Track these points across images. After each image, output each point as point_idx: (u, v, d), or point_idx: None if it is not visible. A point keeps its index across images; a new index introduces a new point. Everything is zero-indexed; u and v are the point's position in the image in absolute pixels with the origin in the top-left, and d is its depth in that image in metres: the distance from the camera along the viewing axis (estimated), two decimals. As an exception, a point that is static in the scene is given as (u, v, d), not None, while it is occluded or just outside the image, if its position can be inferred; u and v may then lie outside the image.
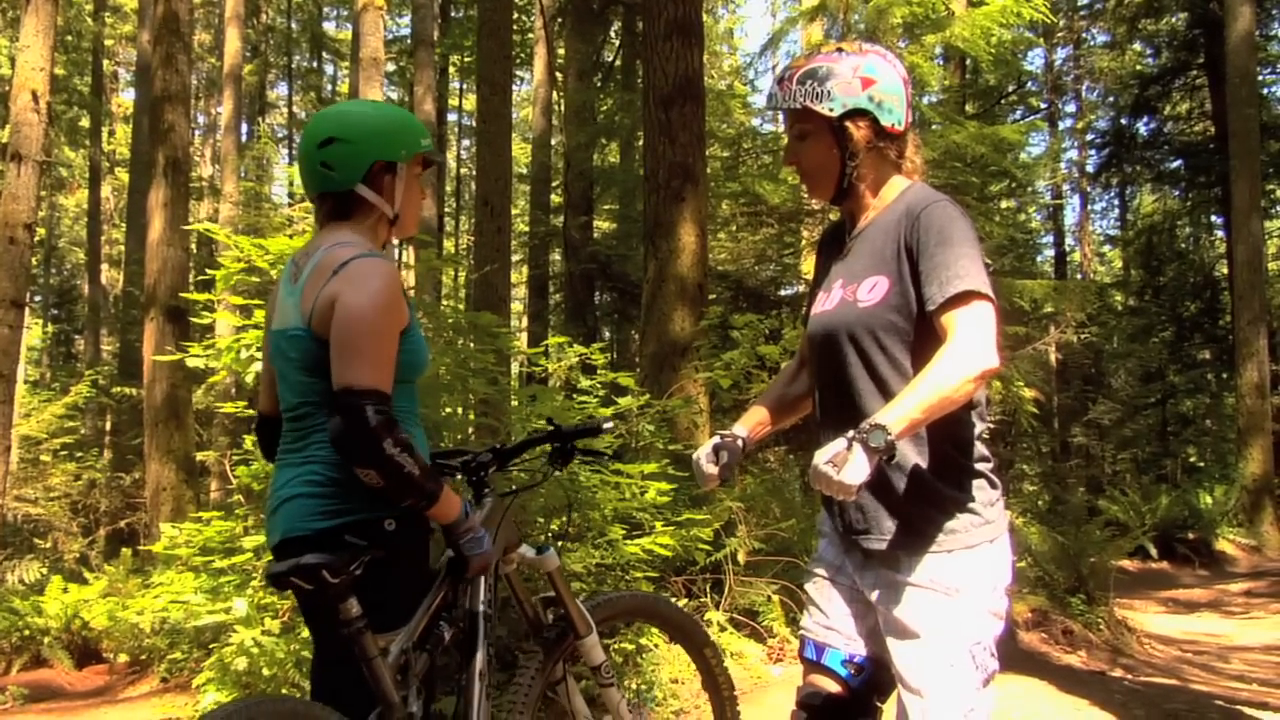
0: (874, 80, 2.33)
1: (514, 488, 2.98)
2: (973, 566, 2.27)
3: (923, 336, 2.25)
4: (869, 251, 2.37)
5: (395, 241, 2.72)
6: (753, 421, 2.71)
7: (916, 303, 2.25)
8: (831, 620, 2.47)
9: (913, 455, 2.29)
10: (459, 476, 2.86)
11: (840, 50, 2.38)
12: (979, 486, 2.31)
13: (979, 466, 2.32)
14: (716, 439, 2.62)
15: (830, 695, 2.43)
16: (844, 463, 2.02)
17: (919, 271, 2.23)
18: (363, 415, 2.25)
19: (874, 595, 2.37)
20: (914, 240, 2.25)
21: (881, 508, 2.33)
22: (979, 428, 2.35)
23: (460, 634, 2.64)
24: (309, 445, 2.47)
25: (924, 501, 2.29)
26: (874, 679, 2.43)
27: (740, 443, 2.62)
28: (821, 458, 2.05)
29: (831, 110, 2.33)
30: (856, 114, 2.33)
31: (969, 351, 2.10)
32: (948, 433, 2.27)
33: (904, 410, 2.07)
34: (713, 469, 2.57)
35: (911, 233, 2.26)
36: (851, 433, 2.05)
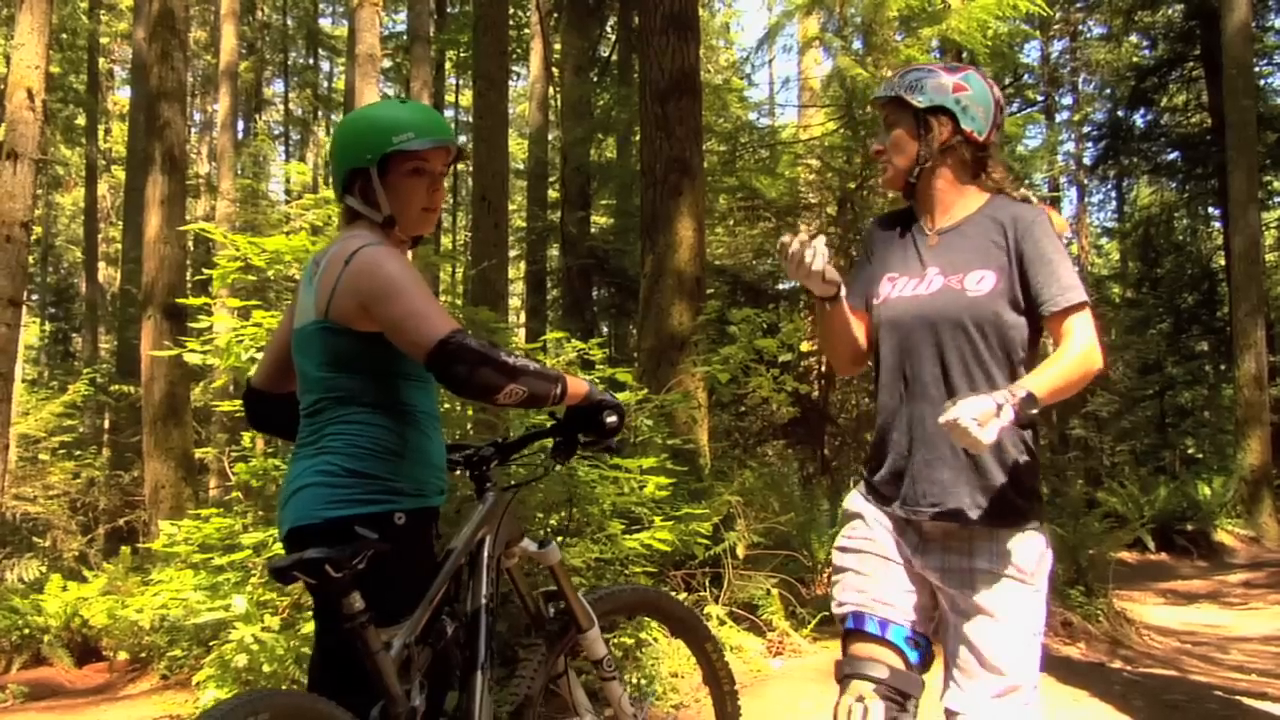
0: (966, 88, 2.54)
1: (515, 482, 2.97)
2: (1036, 547, 2.50)
3: (1022, 330, 2.49)
4: (971, 248, 2.54)
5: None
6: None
7: (1025, 300, 2.47)
8: (890, 597, 2.57)
9: (1006, 436, 2.41)
10: (461, 471, 2.87)
11: (953, 65, 2.64)
12: (1038, 474, 2.55)
13: (1038, 455, 2.56)
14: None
15: (895, 669, 2.52)
16: (988, 421, 2.18)
17: (1031, 274, 2.46)
18: (471, 348, 2.32)
19: (937, 577, 2.52)
20: (1027, 245, 2.47)
21: (963, 483, 2.47)
22: None
23: (463, 628, 2.65)
24: (324, 437, 2.51)
25: (1004, 479, 2.47)
26: (926, 654, 2.57)
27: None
28: (968, 412, 2.18)
29: (920, 102, 2.53)
30: (941, 111, 2.53)
31: (1094, 351, 2.38)
32: (1030, 422, 2.46)
33: (1049, 384, 2.33)
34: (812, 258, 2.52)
35: (1025, 238, 2.48)
36: (1001, 396, 2.23)
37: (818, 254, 2.49)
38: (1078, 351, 2.37)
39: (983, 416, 2.18)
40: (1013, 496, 2.46)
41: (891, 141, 2.61)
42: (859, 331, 2.72)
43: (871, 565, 2.60)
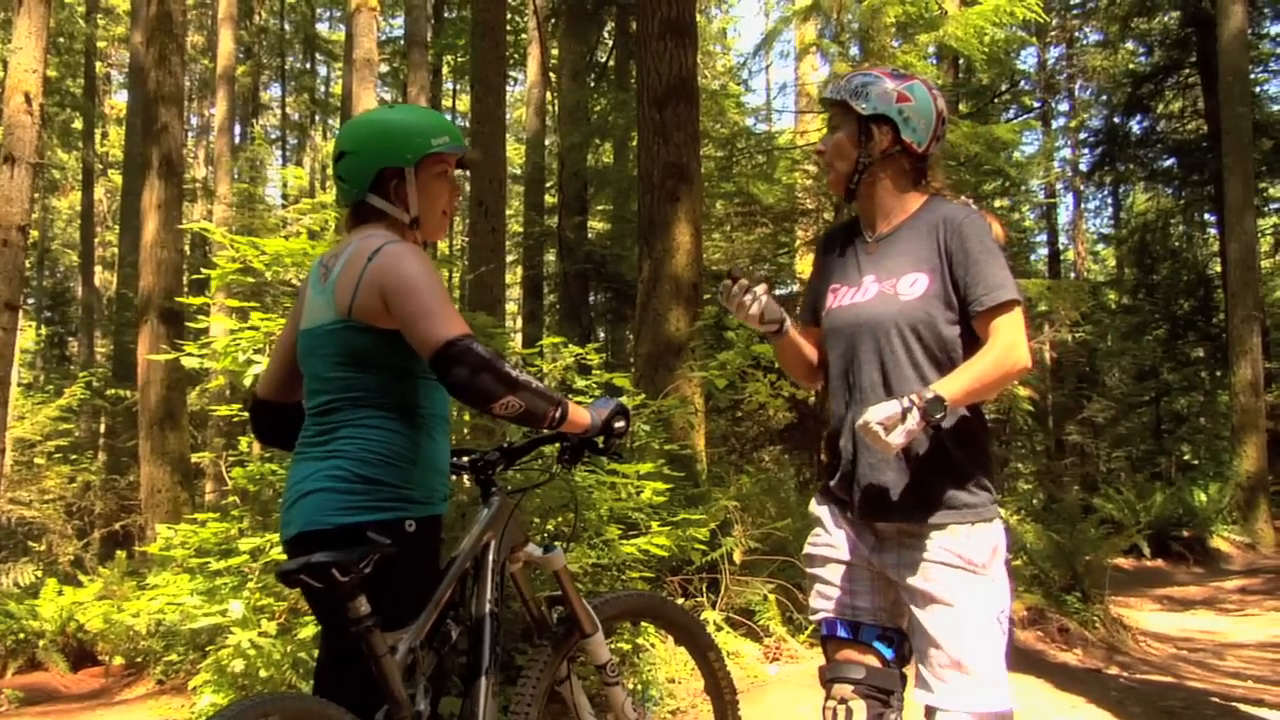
0: (909, 98, 2.57)
1: (521, 486, 2.97)
2: (989, 539, 2.50)
3: (955, 328, 2.52)
4: (904, 251, 2.59)
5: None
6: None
7: (958, 300, 2.51)
8: (857, 599, 2.63)
9: (943, 431, 2.49)
10: (466, 476, 2.87)
11: (900, 73, 2.65)
12: (987, 466, 2.56)
13: (988, 447, 2.59)
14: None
15: (872, 668, 2.59)
16: (894, 425, 2.26)
17: (960, 274, 2.50)
18: (476, 353, 2.32)
19: (895, 573, 2.56)
20: (955, 245, 2.51)
21: (904, 482, 2.51)
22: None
23: (466, 632, 2.66)
24: (335, 440, 2.50)
25: (947, 475, 2.50)
26: (902, 649, 2.62)
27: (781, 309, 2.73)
28: (875, 417, 2.27)
29: (863, 109, 2.57)
30: (882, 119, 2.57)
31: (1017, 350, 2.41)
32: (974, 412, 2.54)
33: (960, 385, 2.37)
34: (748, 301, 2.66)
35: (953, 238, 2.51)
36: (908, 400, 2.30)
37: (756, 299, 2.63)
38: (996, 352, 2.41)
39: (888, 421, 2.26)
40: (958, 492, 2.50)
41: (834, 144, 2.65)
42: (810, 351, 2.83)
43: (835, 571, 2.67)
